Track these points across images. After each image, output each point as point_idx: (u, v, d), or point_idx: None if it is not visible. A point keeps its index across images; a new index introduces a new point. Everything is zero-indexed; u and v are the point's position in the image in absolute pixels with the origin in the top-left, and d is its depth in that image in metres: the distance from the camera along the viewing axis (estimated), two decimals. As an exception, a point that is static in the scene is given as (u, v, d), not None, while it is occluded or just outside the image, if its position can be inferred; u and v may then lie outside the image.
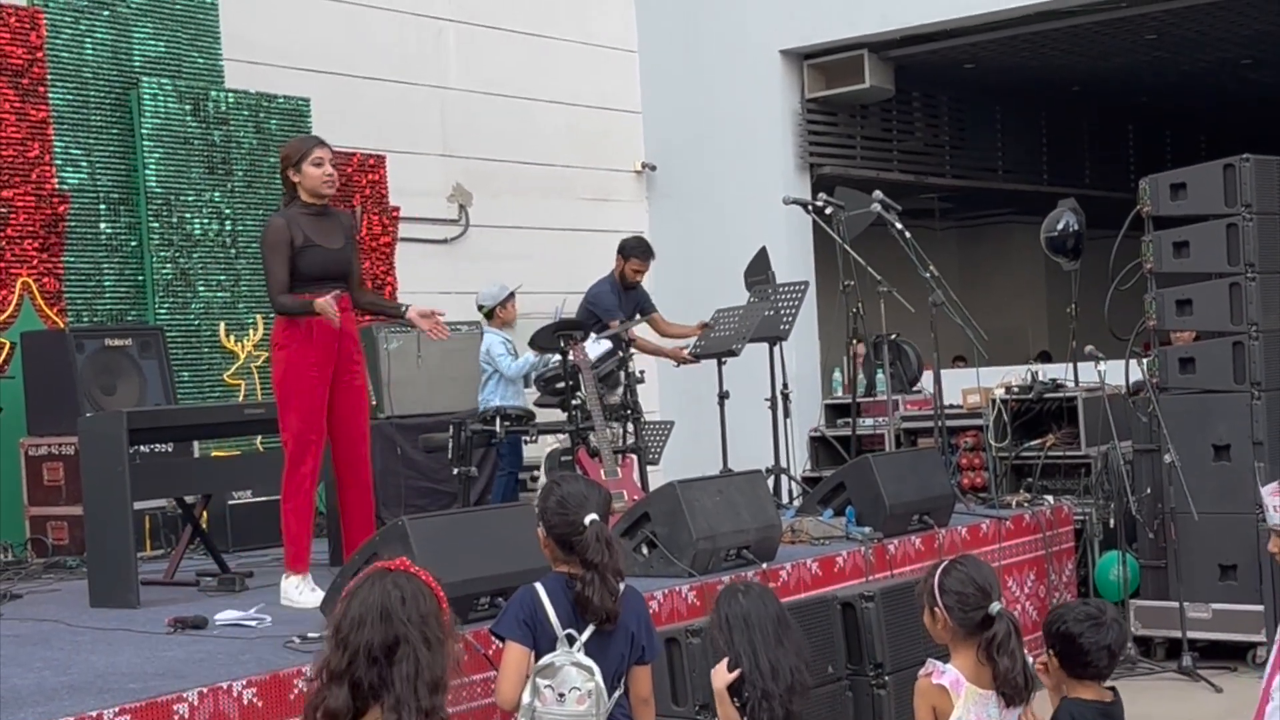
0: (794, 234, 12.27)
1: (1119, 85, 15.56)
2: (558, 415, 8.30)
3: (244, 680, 4.37)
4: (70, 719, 4.04)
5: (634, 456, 8.02)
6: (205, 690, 4.27)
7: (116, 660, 4.90)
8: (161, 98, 9.38)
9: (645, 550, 6.13)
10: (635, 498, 7.27)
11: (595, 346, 8.12)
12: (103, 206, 9.20)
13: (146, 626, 5.51)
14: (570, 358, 7.81)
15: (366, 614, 2.87)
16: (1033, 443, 8.75)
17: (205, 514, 7.47)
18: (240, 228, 9.63)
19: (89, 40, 9.21)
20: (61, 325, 8.81)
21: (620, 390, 8.23)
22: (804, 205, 9.22)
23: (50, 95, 8.95)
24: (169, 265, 9.36)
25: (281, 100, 10.06)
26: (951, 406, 9.09)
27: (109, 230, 9.23)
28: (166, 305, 9.35)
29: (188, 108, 9.52)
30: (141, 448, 7.81)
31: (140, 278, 9.34)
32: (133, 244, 9.33)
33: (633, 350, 8.84)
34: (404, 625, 2.86)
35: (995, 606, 3.92)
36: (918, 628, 4.30)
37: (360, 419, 6.14)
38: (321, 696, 2.86)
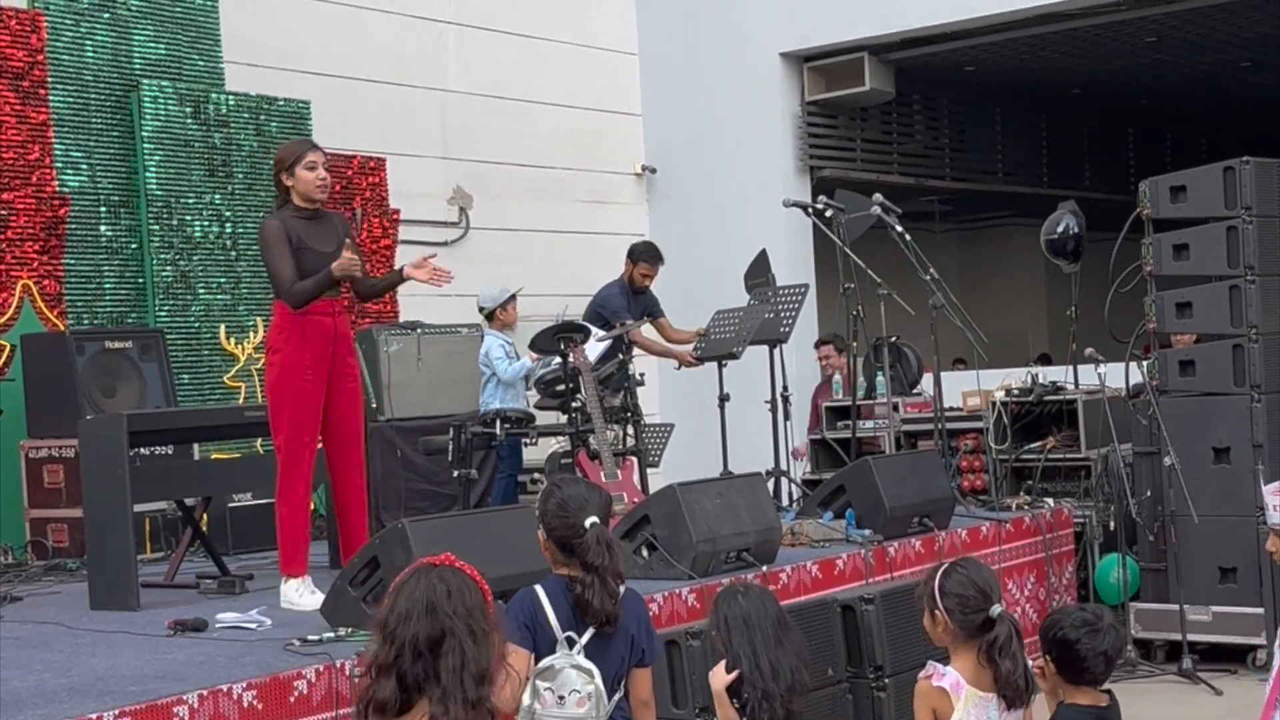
0: (794, 237, 12.28)
1: (1119, 88, 15.56)
2: (559, 417, 8.30)
3: (244, 683, 4.37)
4: (70, 721, 4.04)
5: (634, 459, 8.02)
6: (205, 693, 4.27)
7: (116, 663, 4.90)
8: (162, 100, 9.38)
9: (645, 553, 6.12)
10: (635, 500, 7.27)
11: (594, 346, 8.12)
12: (103, 209, 9.21)
13: (146, 629, 5.51)
14: (570, 360, 7.81)
15: (413, 608, 2.90)
16: (1033, 445, 8.74)
17: (205, 516, 7.48)
18: (241, 230, 9.63)
19: (89, 43, 9.22)
20: (62, 328, 8.81)
21: (620, 393, 8.23)
22: (804, 208, 9.22)
23: (51, 98, 8.96)
24: (169, 268, 9.37)
25: (282, 103, 10.07)
26: (951, 409, 9.09)
27: (109, 233, 9.23)
28: (167, 308, 9.35)
29: (188, 110, 9.52)
30: (141, 450, 7.81)
31: (140, 280, 9.35)
32: (133, 246, 9.33)
33: (634, 353, 8.85)
34: (449, 618, 2.90)
35: (996, 609, 3.92)
36: (918, 630, 4.29)
37: (355, 422, 6.13)
38: (370, 690, 2.90)
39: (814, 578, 6.44)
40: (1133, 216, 8.10)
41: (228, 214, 9.66)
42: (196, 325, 9.50)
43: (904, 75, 13.31)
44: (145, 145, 9.29)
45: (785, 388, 8.77)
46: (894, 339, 9.21)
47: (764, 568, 6.19)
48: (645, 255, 9.26)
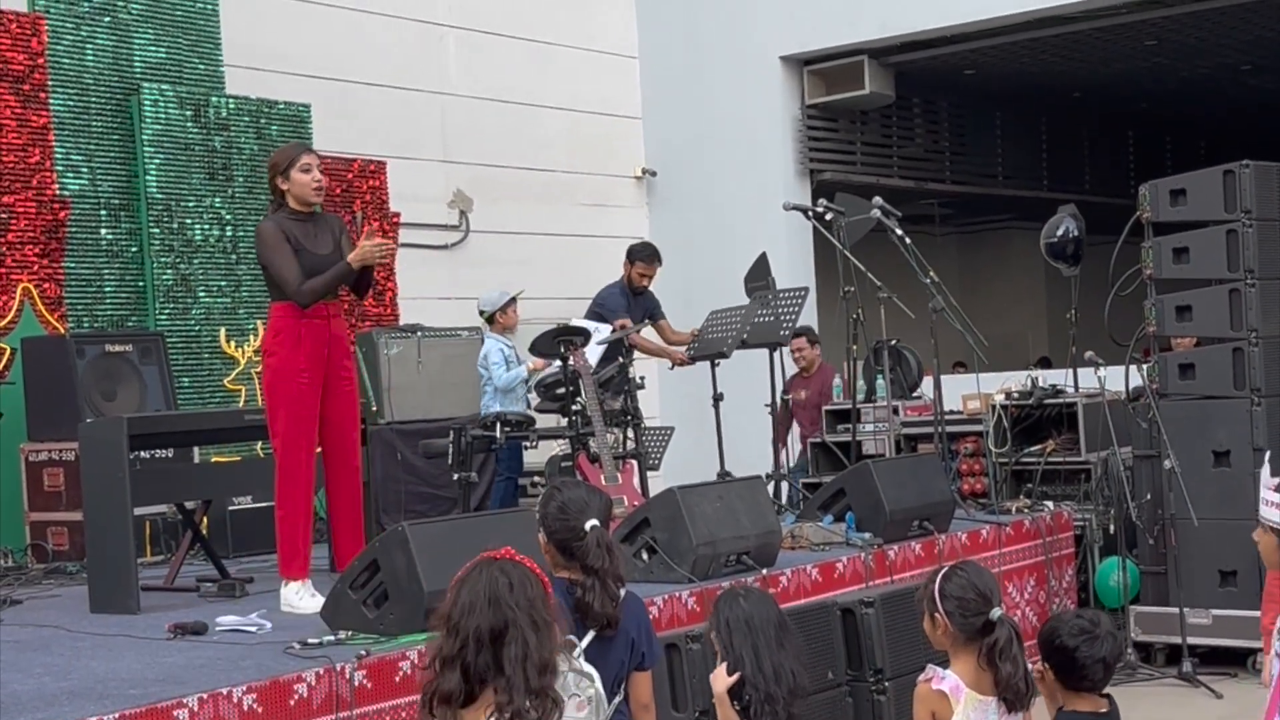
0: (794, 240, 12.29)
1: (1119, 91, 15.58)
2: (559, 420, 8.30)
3: (244, 686, 4.37)
4: (70, 724, 4.04)
5: (634, 462, 8.02)
6: (205, 696, 4.27)
7: (117, 666, 4.90)
8: (162, 103, 9.39)
9: (645, 556, 6.12)
10: (635, 503, 7.26)
11: (593, 349, 8.12)
12: (103, 212, 9.21)
13: (147, 632, 5.51)
14: (570, 364, 7.81)
15: (476, 600, 2.97)
16: (1033, 448, 8.74)
17: (205, 519, 7.48)
18: (241, 233, 9.63)
19: (90, 46, 9.22)
20: (62, 331, 8.81)
21: (621, 396, 8.23)
22: (804, 211, 9.23)
23: (51, 101, 8.96)
24: (169, 271, 9.37)
25: (282, 106, 10.08)
26: (951, 412, 9.09)
27: (110, 236, 9.24)
28: (167, 311, 9.36)
29: (188, 113, 9.53)
30: (142, 453, 7.81)
31: (141, 283, 9.35)
32: (133, 250, 9.34)
33: (634, 356, 8.85)
34: (512, 609, 2.96)
35: (996, 612, 3.92)
36: (918, 633, 4.29)
37: (351, 425, 6.14)
38: (435, 682, 2.96)
39: (814, 581, 6.44)
40: (1132, 220, 8.10)
41: (228, 217, 9.66)
42: (197, 328, 9.50)
43: (904, 79, 13.32)
44: (146, 148, 9.30)
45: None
46: (894, 342, 9.21)
47: (764, 571, 6.19)
48: (643, 255, 9.29)
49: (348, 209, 10.22)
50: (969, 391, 9.22)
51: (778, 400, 8.90)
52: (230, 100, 9.78)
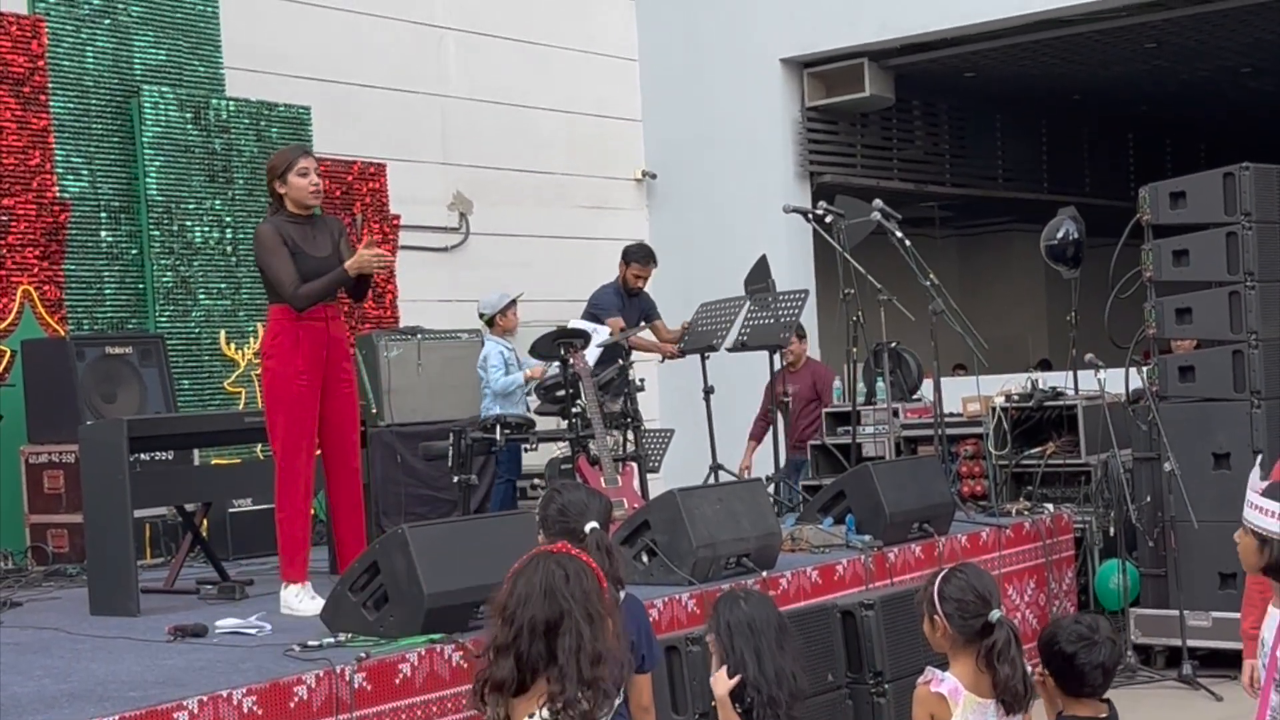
0: (794, 242, 12.29)
1: (1119, 94, 15.58)
2: (559, 423, 8.30)
3: (244, 688, 4.37)
4: (70, 727, 4.04)
5: (634, 464, 8.02)
6: (205, 698, 4.27)
7: (116, 668, 4.90)
8: (162, 106, 9.39)
9: (645, 558, 6.12)
10: (635, 506, 7.26)
11: (592, 350, 8.13)
12: (103, 214, 9.22)
13: (146, 634, 5.51)
14: (570, 366, 7.81)
15: (531, 591, 3.04)
16: (1033, 451, 8.74)
17: (205, 522, 7.48)
18: (241, 236, 9.64)
19: (90, 49, 9.23)
20: (62, 333, 8.82)
21: (621, 398, 8.23)
22: (804, 213, 9.23)
23: (51, 103, 8.97)
24: (169, 273, 9.37)
25: (282, 108, 10.08)
26: (951, 415, 9.09)
27: (110, 238, 9.24)
28: (167, 313, 9.36)
29: (188, 116, 9.53)
30: (142, 455, 7.81)
31: (141, 286, 9.35)
32: (133, 252, 9.34)
33: (634, 358, 8.85)
34: (567, 601, 3.03)
35: (995, 614, 3.92)
36: (917, 636, 4.29)
37: (350, 427, 6.14)
38: (488, 670, 3.02)
39: (814, 583, 6.44)
40: (1132, 222, 8.10)
41: (228, 219, 9.66)
42: (197, 330, 9.50)
43: (904, 81, 13.32)
44: (146, 151, 9.30)
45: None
46: (894, 344, 9.21)
47: (764, 573, 6.19)
48: (638, 256, 9.30)
49: (348, 211, 10.23)
50: (969, 394, 9.22)
51: (778, 402, 8.89)
52: (230, 102, 9.79)
